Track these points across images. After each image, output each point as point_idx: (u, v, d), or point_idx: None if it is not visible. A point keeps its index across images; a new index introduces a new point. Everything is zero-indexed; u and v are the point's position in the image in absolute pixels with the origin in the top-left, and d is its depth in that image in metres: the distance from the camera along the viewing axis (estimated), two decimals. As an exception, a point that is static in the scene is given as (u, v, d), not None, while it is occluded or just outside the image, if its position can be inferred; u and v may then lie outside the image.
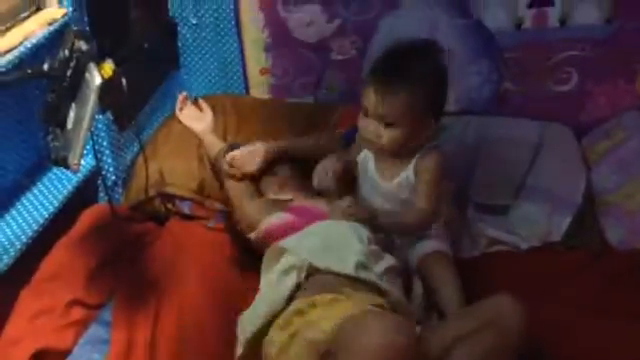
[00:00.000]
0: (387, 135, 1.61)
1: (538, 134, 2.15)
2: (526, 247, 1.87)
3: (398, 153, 1.67)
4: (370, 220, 1.62)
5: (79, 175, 1.80)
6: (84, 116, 1.29)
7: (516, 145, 2.11)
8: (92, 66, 1.29)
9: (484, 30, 2.23)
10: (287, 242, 1.57)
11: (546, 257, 1.82)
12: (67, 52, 1.30)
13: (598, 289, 1.67)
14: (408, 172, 1.68)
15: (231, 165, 1.86)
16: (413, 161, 1.67)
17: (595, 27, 2.18)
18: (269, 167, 1.89)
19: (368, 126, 1.62)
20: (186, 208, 2.00)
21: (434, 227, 1.74)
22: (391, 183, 1.70)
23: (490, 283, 1.66)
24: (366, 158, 1.75)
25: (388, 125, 1.60)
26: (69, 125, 1.31)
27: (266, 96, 2.43)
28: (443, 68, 1.66)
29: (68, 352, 1.52)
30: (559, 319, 1.54)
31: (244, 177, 1.87)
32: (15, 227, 1.61)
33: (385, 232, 1.67)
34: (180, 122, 2.05)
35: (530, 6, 2.19)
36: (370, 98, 1.60)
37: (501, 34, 2.23)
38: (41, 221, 1.65)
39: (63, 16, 1.68)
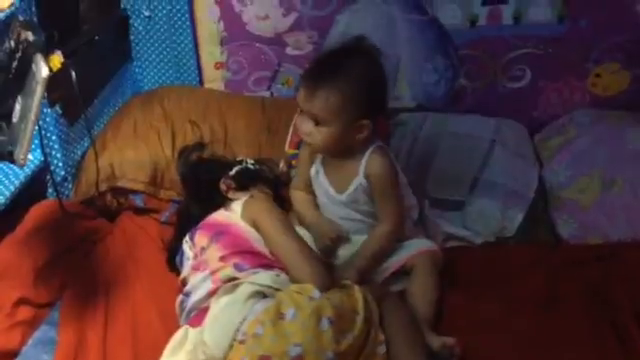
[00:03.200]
0: (318, 133, 1.60)
1: (492, 130, 2.16)
2: (480, 242, 1.89)
3: (337, 154, 1.67)
4: (355, 279, 1.56)
5: (27, 170, 1.75)
6: (31, 109, 1.25)
7: (471, 141, 2.12)
8: (39, 57, 1.25)
9: (440, 27, 2.24)
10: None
11: (499, 252, 1.85)
12: (13, 43, 1.26)
13: (548, 284, 1.70)
14: (360, 179, 1.66)
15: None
16: (361, 167, 1.65)
17: (548, 25, 2.21)
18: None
19: (302, 124, 1.63)
20: (139, 201, 1.96)
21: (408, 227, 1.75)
22: (346, 194, 1.69)
23: (445, 279, 1.68)
24: (317, 171, 1.74)
25: (318, 123, 1.59)
26: (15, 118, 1.27)
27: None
28: (376, 68, 1.62)
29: (16, 353, 1.47)
30: (497, 317, 1.58)
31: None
32: (-41, 224, 1.56)
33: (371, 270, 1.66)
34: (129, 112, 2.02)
35: (484, 3, 2.21)
36: (300, 95, 1.61)
37: (456, 31, 2.25)
38: (-14, 218, 1.60)
39: (10, 6, 1.61)
